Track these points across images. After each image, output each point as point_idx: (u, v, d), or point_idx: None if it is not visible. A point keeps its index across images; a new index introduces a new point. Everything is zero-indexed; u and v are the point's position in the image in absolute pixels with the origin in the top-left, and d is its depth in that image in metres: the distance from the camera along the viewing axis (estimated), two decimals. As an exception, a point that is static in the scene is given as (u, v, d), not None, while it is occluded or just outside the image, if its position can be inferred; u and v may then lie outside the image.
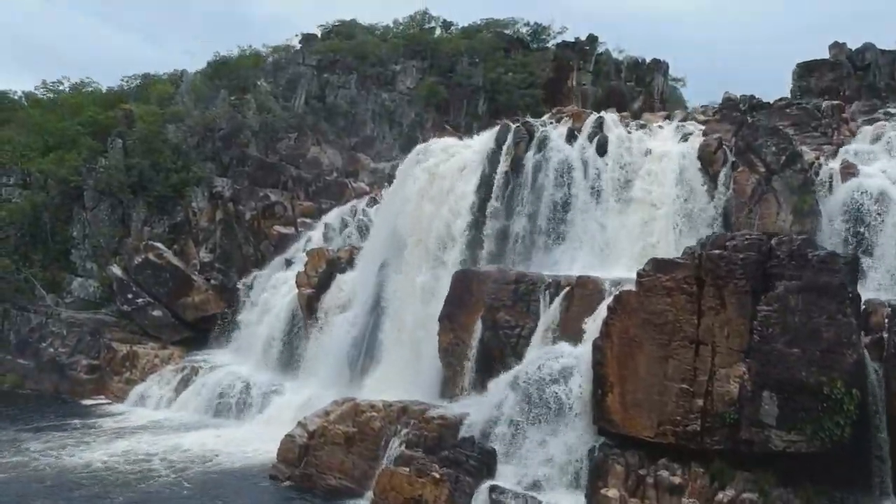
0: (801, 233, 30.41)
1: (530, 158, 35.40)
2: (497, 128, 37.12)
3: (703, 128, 35.93)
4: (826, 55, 58.30)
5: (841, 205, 30.61)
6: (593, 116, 35.88)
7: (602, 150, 34.56)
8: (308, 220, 48.21)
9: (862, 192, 30.41)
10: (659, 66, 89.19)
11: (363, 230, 44.67)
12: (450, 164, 36.60)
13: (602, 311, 25.24)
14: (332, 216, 46.94)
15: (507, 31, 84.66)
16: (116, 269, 45.59)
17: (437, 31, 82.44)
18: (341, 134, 61.27)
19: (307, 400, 34.79)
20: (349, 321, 37.49)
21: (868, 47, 71.00)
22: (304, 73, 61.74)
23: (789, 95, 73.39)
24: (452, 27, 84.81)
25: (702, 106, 76.81)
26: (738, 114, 34.92)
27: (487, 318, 28.19)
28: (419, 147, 38.78)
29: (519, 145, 35.89)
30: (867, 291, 27.58)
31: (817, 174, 31.96)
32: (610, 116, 36.39)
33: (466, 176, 35.97)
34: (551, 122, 37.21)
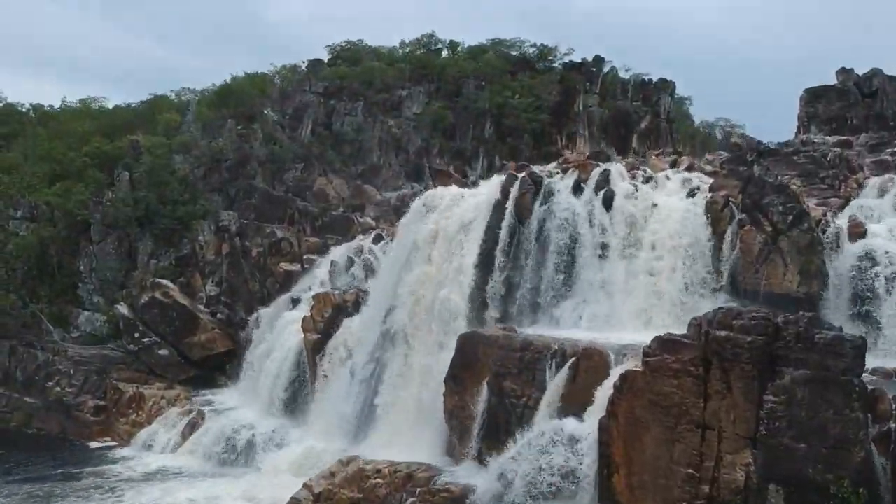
0: (807, 294, 30.58)
1: (536, 210, 35.45)
2: (503, 177, 37.12)
3: (710, 180, 35.88)
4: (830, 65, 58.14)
5: (848, 267, 30.49)
6: (600, 168, 35.80)
7: (608, 204, 34.50)
8: (314, 257, 48.26)
9: (869, 255, 30.33)
10: (665, 86, 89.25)
11: (369, 269, 44.68)
12: (455, 214, 36.58)
13: (608, 385, 25.20)
14: (338, 254, 46.98)
15: (513, 52, 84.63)
16: (123, 309, 45.69)
17: (444, 52, 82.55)
18: (347, 162, 61.40)
19: (313, 453, 34.85)
20: (355, 370, 37.51)
21: (876, 73, 70.89)
22: (310, 102, 61.84)
23: (797, 122, 73.45)
24: (459, 47, 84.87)
25: (707, 143, 75.71)
26: (744, 167, 34.74)
27: (493, 385, 28.17)
28: (425, 195, 38.82)
29: (525, 196, 35.92)
30: (874, 359, 27.71)
31: (824, 231, 31.79)
32: (616, 168, 36.40)
33: (472, 227, 35.97)
34: (557, 173, 37.15)
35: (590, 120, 78.72)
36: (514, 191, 35.93)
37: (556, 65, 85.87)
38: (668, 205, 33.68)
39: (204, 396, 43.49)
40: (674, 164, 40.53)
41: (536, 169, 37.65)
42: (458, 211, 36.75)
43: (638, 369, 24.09)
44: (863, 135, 60.87)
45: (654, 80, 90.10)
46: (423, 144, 65.98)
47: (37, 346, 46.68)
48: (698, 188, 34.52)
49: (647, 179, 35.81)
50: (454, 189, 38.62)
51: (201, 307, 48.98)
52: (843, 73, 71.86)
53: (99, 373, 44.71)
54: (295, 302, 44.71)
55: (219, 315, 49.01)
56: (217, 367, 45.92)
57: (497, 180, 37.49)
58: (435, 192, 38.69)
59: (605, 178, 35.35)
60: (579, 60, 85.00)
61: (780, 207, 31.57)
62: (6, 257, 50.20)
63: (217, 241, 51.13)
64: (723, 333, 22.99)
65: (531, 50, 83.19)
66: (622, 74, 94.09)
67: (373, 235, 48.24)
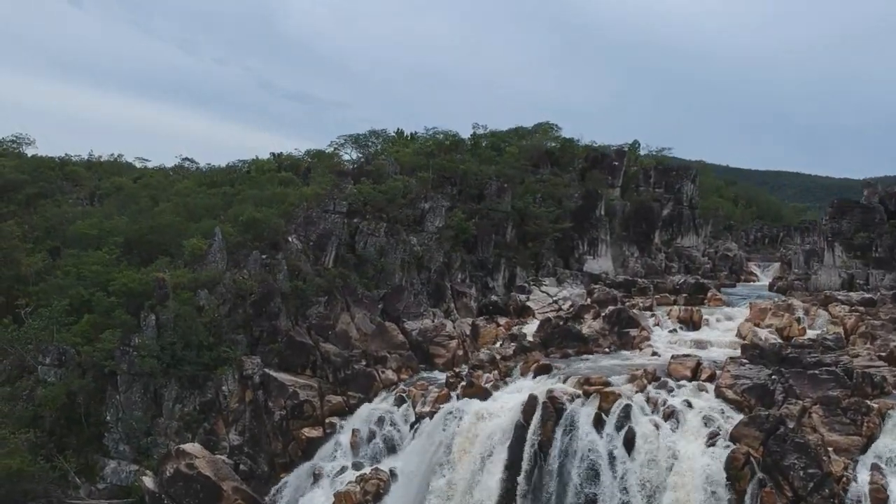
0: (827, 571, 30.91)
1: (557, 441, 35.87)
2: (525, 398, 37.54)
3: (731, 413, 36.15)
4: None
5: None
6: (622, 402, 36.09)
7: (629, 445, 34.87)
8: (335, 420, 48.85)
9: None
10: (688, 173, 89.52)
11: (389, 445, 45.23)
12: (476, 439, 37.08)
13: None
14: (360, 421, 47.51)
15: (535, 140, 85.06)
16: (148, 482, 46.37)
17: (467, 142, 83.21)
18: (370, 285, 61.91)
19: None
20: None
21: (901, 189, 70.51)
22: (334, 227, 62.19)
23: (820, 236, 73.01)
24: (482, 135, 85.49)
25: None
26: (766, 414, 34.68)
27: None
28: (447, 407, 39.31)
29: (546, 424, 36.41)
30: None
31: (846, 492, 31.97)
32: (638, 399, 36.65)
33: (494, 454, 36.58)
34: (579, 396, 37.44)
35: (611, 215, 79.05)
36: (535, 419, 36.44)
37: (579, 143, 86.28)
38: (689, 455, 33.86)
39: (227, 574, 44.17)
40: (695, 372, 40.64)
41: (557, 391, 37.89)
42: (479, 434, 37.25)
43: None
44: (887, 277, 60.74)
45: (676, 167, 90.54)
46: (445, 260, 66.53)
47: (64, 508, 47.59)
48: (719, 435, 34.68)
49: (668, 416, 35.95)
50: (477, 405, 39.00)
51: (224, 458, 49.68)
52: (868, 187, 71.88)
53: (124, 545, 45.58)
54: (316, 477, 45.38)
55: (241, 466, 49.76)
56: (240, 534, 46.57)
57: (519, 401, 38.01)
58: (460, 403, 39.12)
59: (626, 415, 35.67)
60: (601, 150, 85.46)
61: (802, 473, 31.85)
62: (35, 409, 51.06)
63: (241, 390, 51.83)
64: None
65: (552, 143, 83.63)
66: (644, 152, 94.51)
67: (394, 396, 48.87)
